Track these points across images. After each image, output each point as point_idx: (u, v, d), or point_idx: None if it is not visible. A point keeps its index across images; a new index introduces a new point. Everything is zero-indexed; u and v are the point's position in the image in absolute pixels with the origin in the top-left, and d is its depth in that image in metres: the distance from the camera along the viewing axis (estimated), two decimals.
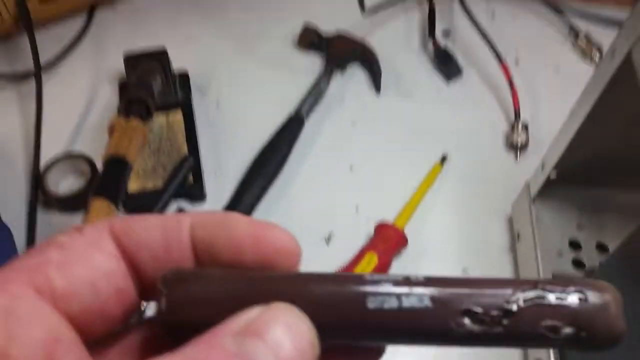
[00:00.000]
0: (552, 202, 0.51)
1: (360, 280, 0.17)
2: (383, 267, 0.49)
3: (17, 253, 0.50)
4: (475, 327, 0.15)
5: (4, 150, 0.60)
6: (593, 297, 0.16)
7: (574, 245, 0.49)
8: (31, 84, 0.62)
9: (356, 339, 0.17)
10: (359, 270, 0.48)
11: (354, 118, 0.64)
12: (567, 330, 0.15)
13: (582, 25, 0.73)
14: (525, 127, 0.62)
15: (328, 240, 0.53)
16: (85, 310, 0.17)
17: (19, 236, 0.52)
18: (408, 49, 0.72)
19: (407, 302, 0.16)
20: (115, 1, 0.72)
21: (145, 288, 0.19)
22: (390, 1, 0.74)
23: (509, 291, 0.16)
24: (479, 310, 0.15)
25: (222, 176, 0.58)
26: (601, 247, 0.48)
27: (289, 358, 0.15)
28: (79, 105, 0.63)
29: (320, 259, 0.50)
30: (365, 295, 0.16)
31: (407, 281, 0.16)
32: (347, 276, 0.17)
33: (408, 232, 0.52)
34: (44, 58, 0.62)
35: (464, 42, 0.72)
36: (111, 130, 0.51)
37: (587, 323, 0.15)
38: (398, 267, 0.51)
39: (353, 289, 0.16)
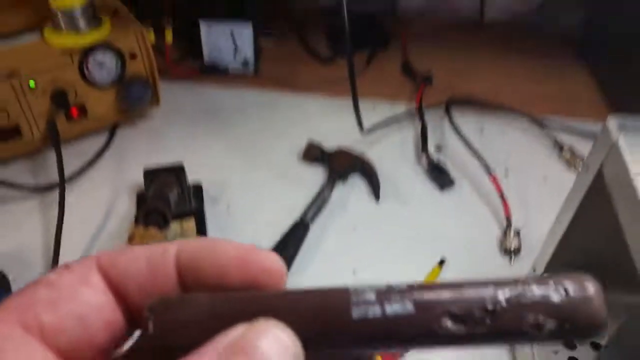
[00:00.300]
0: None
1: (344, 291, 0.17)
2: None
3: None
4: (459, 329, 0.15)
5: (24, 257, 0.63)
6: (574, 290, 0.16)
7: (569, 345, 0.51)
8: (53, 195, 0.66)
9: (342, 348, 0.17)
10: None
11: (355, 224, 0.68)
12: (550, 324, 0.15)
13: (566, 138, 0.80)
14: (517, 233, 0.66)
15: None
16: (74, 343, 0.18)
17: None
18: (404, 161, 0.77)
19: (390, 310, 0.16)
20: (135, 120, 0.79)
21: (133, 316, 0.20)
22: (387, 120, 0.81)
23: (490, 291, 0.16)
24: (461, 312, 0.15)
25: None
26: (595, 345, 0.50)
27: None
28: (98, 215, 0.68)
29: None
30: (349, 305, 0.16)
31: (390, 289, 0.16)
32: (330, 289, 0.17)
33: None
34: (67, 170, 0.68)
35: (455, 156, 0.78)
36: (131, 238, 0.55)
37: (569, 315, 0.15)
38: None
39: (337, 300, 0.16)
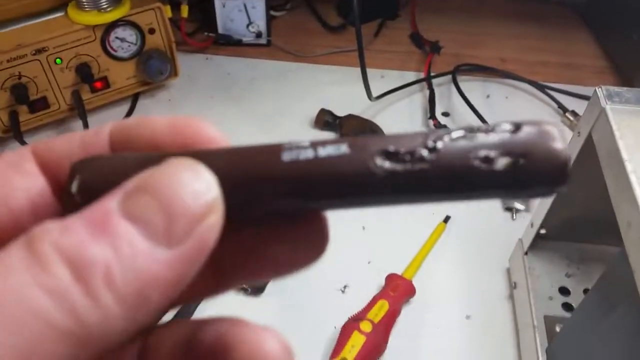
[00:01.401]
0: (542, 255, 0.57)
1: (276, 144, 0.15)
2: (393, 313, 0.55)
3: None
4: (397, 167, 0.14)
5: None
6: (528, 127, 0.14)
7: (564, 291, 0.55)
8: None
9: (271, 197, 0.15)
10: (371, 315, 0.54)
11: None
12: (503, 160, 0.14)
13: (569, 104, 0.82)
14: None
15: (343, 290, 0.59)
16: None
17: None
18: (412, 127, 0.80)
19: (323, 152, 0.14)
20: (155, 91, 0.83)
21: None
22: (396, 88, 0.84)
23: (433, 132, 0.14)
24: (398, 148, 0.14)
25: None
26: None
27: (179, 207, 0.14)
28: None
29: (336, 307, 0.56)
30: (280, 150, 0.15)
31: (325, 140, 0.15)
32: (262, 144, 0.16)
33: (416, 282, 0.58)
34: None
35: (462, 121, 0.81)
36: None
37: (525, 150, 0.14)
38: (407, 314, 0.57)
39: (268, 148, 0.15)
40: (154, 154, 0.16)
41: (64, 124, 0.78)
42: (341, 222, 0.68)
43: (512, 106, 0.84)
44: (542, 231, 0.56)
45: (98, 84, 0.76)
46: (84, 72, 0.73)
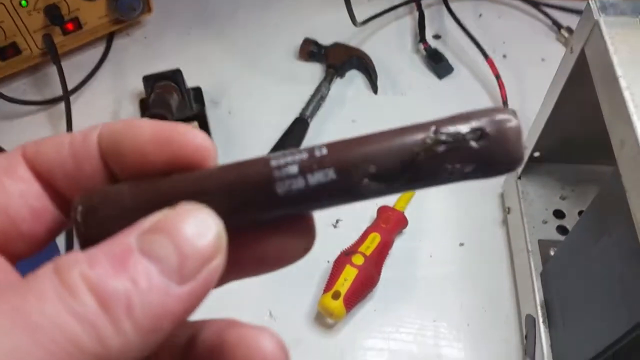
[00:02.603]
0: (536, 178, 0.56)
1: (265, 164, 0.17)
2: (386, 245, 0.54)
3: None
4: (381, 185, 0.16)
5: None
6: (491, 130, 0.16)
7: (559, 214, 0.54)
8: (60, 108, 0.69)
9: (267, 222, 0.18)
10: (363, 248, 0.53)
11: (354, 117, 0.70)
12: (469, 168, 0.16)
13: (563, 18, 0.79)
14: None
15: (335, 225, 0.59)
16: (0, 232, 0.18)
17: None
18: (401, 52, 0.77)
19: (313, 180, 0.16)
20: (130, 29, 0.79)
21: (70, 207, 0.19)
22: (382, 11, 0.80)
23: (408, 143, 0.16)
24: (381, 171, 0.16)
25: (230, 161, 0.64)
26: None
27: (191, 248, 0.15)
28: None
29: (329, 240, 0.55)
30: (273, 181, 0.16)
31: (312, 157, 0.16)
32: (251, 162, 0.17)
33: (408, 213, 0.57)
34: (70, 83, 0.69)
35: (454, 43, 0.78)
36: None
37: (487, 158, 0.16)
38: (400, 245, 0.57)
39: (260, 176, 0.17)
40: (145, 190, 0.18)
41: (38, 70, 0.75)
42: None
43: (505, 26, 0.80)
44: (536, 154, 0.54)
45: (69, 26, 0.72)
46: (53, 14, 0.69)
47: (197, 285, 0.16)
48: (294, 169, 0.16)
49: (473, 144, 0.16)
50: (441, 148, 0.16)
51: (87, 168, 0.18)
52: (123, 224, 0.16)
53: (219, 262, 0.16)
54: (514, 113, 0.16)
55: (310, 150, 0.17)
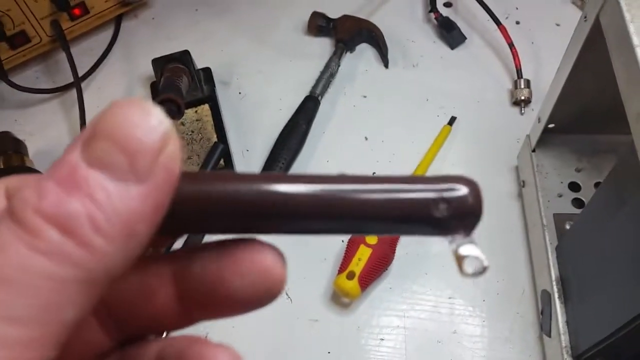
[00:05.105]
0: (551, 150, 0.55)
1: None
2: None
3: None
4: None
5: (55, 154, 0.67)
6: (454, 201, 0.16)
7: (574, 187, 0.53)
8: (72, 94, 0.69)
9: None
10: None
11: (365, 92, 0.69)
12: (435, 233, 0.17)
13: None
14: (528, 83, 0.66)
15: None
16: None
17: None
18: (412, 22, 0.76)
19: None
20: (137, 12, 0.78)
21: None
22: None
23: (394, 212, 0.17)
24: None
25: (249, 156, 0.64)
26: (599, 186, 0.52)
27: (138, 144, 0.15)
28: None
29: None
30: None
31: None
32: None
33: None
34: (80, 69, 0.69)
35: (465, 10, 0.76)
36: None
37: (452, 226, 0.17)
38: None
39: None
40: None
41: (49, 57, 0.75)
42: (342, 133, 0.67)
43: None
44: (551, 125, 0.53)
45: (76, 11, 0.72)
46: (59, 0, 0.69)
47: (157, 178, 0.15)
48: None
49: (438, 214, 0.17)
50: (412, 220, 0.17)
51: None
52: None
53: (172, 149, 0.15)
54: (471, 183, 0.17)
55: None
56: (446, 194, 0.17)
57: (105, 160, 0.14)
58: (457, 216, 0.17)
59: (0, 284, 0.14)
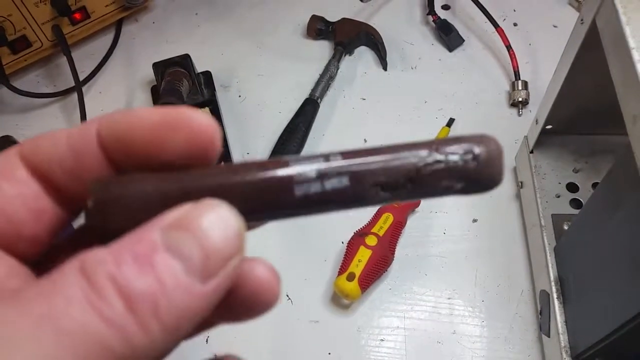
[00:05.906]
0: (549, 151, 0.55)
1: (285, 167, 0.18)
2: (398, 225, 0.55)
3: None
4: (387, 194, 0.18)
5: None
6: (479, 153, 0.18)
7: (572, 187, 0.53)
8: (73, 98, 0.69)
9: (283, 219, 0.19)
10: (376, 229, 0.53)
11: (364, 94, 0.69)
12: (459, 185, 0.18)
13: None
14: (525, 85, 0.67)
15: None
16: (2, 236, 0.18)
17: None
18: (410, 25, 0.76)
19: (329, 185, 0.17)
20: (137, 15, 0.79)
21: (72, 202, 0.19)
22: None
23: (411, 159, 0.18)
24: (389, 181, 0.18)
25: (250, 159, 0.64)
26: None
27: (215, 247, 0.16)
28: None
29: (342, 221, 0.56)
30: (292, 184, 0.17)
31: (328, 165, 0.18)
32: (272, 164, 0.18)
33: None
34: (81, 73, 0.70)
35: (463, 13, 0.76)
36: None
37: (475, 178, 0.18)
38: (413, 223, 0.57)
39: (280, 179, 0.18)
40: (168, 180, 0.18)
41: (50, 61, 0.75)
42: (342, 136, 0.67)
43: None
44: (548, 126, 0.54)
45: (77, 15, 0.72)
46: (60, 4, 0.69)
47: (218, 284, 0.16)
48: (312, 173, 0.18)
49: (465, 164, 0.18)
50: (440, 166, 0.18)
51: (87, 161, 0.18)
52: (143, 217, 0.16)
53: (237, 261, 0.16)
54: (496, 141, 0.19)
55: (326, 157, 0.18)
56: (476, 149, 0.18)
57: (182, 250, 0.15)
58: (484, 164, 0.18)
59: (56, 334, 0.14)
